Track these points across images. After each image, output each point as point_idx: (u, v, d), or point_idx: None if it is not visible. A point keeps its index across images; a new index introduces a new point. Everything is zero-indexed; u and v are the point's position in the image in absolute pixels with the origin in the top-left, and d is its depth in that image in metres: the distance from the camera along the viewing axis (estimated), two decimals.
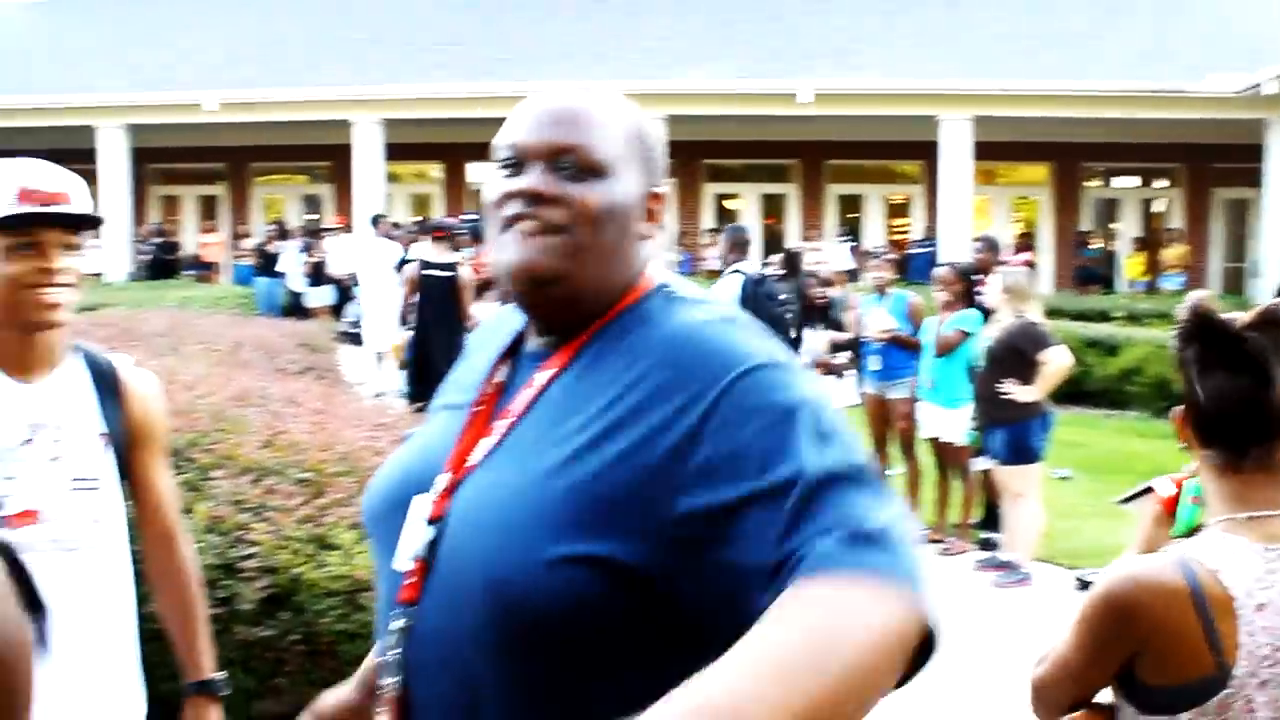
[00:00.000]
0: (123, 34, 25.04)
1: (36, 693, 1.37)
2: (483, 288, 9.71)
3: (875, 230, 23.61)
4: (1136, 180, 24.17)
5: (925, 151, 21.07)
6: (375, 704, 1.75)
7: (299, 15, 25.34)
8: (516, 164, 1.44)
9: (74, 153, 19.37)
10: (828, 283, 9.35)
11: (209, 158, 25.35)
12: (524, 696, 1.30)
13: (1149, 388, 12.63)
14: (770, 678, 1.00)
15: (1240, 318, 1.97)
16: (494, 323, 1.65)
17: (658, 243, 1.51)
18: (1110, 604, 1.93)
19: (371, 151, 21.49)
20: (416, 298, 9.67)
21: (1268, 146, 19.22)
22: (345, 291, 18.64)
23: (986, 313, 7.62)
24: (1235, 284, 21.46)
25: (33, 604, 1.37)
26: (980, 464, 7.52)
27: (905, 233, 23.44)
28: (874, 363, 8.38)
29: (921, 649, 1.14)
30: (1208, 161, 22.08)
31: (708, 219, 23.20)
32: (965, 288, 7.92)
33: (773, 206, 24.33)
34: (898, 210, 24.31)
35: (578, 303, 1.43)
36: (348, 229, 20.44)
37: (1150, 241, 22.44)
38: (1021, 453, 6.98)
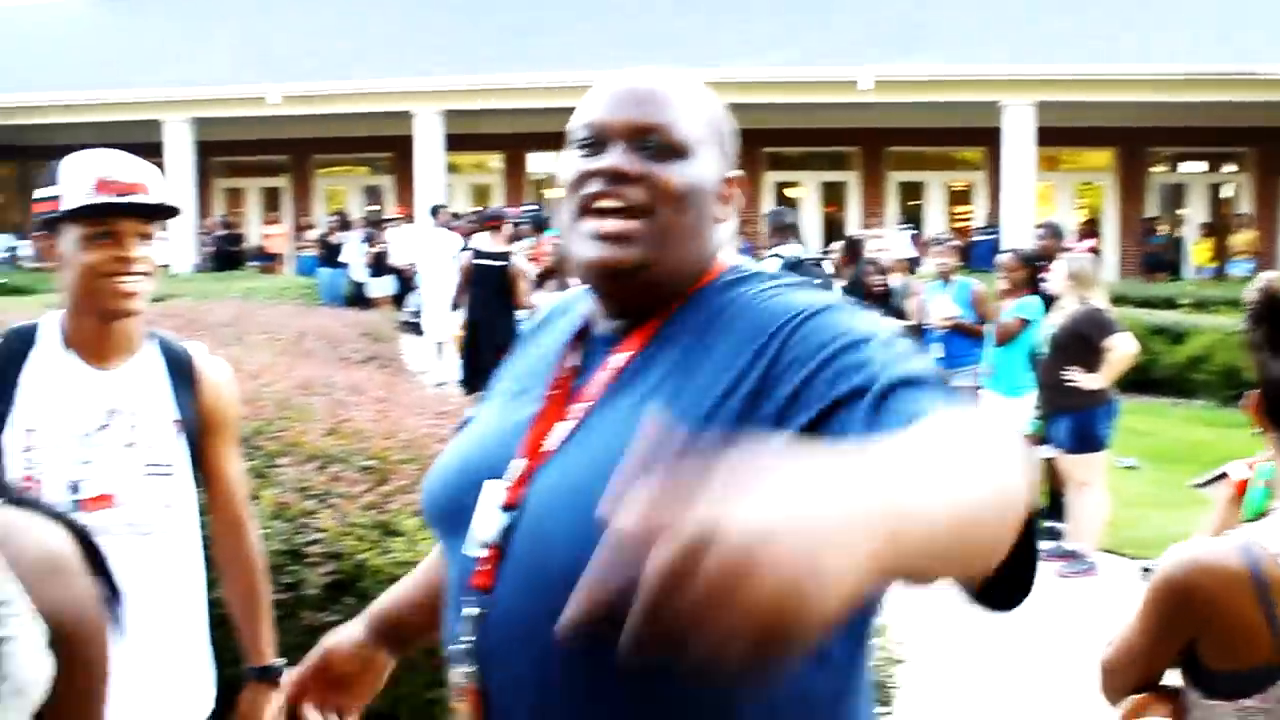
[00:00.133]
0: (187, 28, 25.33)
1: (112, 671, 1.41)
2: (543, 276, 9.74)
3: (936, 218, 23.40)
4: (1204, 165, 23.78)
5: (987, 137, 20.85)
6: (386, 646, 1.80)
7: (360, 8, 25.51)
8: (595, 144, 1.42)
9: (141, 147, 19.50)
10: (886, 270, 9.28)
11: (272, 150, 25.63)
12: (607, 681, 1.26)
13: (1216, 376, 12.44)
14: (925, 484, 0.89)
15: None
16: (557, 308, 1.64)
17: (731, 227, 1.50)
18: (1171, 586, 1.92)
19: (432, 142, 21.61)
20: (470, 287, 9.74)
21: None
22: (407, 281, 18.78)
23: (1048, 300, 7.54)
24: None
25: (108, 588, 1.40)
26: (1044, 452, 7.45)
27: (967, 220, 23.23)
28: (936, 350, 8.32)
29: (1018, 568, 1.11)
30: (1278, 145, 21.68)
31: (768, 207, 23.13)
32: (1027, 275, 7.85)
33: (833, 194, 24.18)
34: (959, 197, 24.09)
35: (656, 288, 1.42)
36: (409, 219, 20.59)
37: (1218, 227, 22.07)
38: (1086, 441, 6.91)
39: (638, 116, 1.41)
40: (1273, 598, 1.83)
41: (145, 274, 2.29)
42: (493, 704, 1.36)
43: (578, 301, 1.58)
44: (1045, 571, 6.29)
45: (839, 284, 9.64)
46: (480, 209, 16.93)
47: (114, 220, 2.24)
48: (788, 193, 23.99)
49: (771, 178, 23.83)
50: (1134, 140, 22.27)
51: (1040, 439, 7.40)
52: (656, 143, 1.40)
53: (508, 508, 1.36)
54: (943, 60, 19.75)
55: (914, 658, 3.71)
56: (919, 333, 8.89)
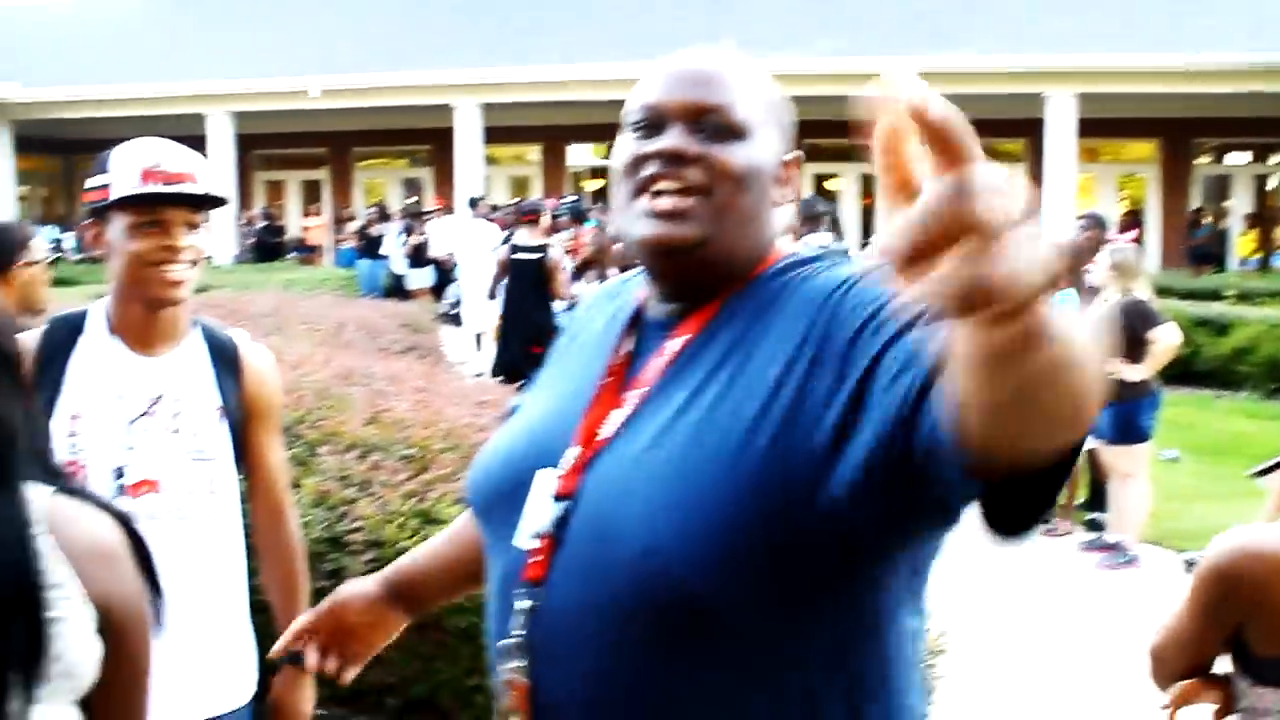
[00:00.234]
0: (229, 23, 25.49)
1: (156, 662, 1.42)
2: (582, 268, 9.74)
3: None
4: (1249, 156, 23.50)
5: (1028, 129, 20.68)
6: (406, 602, 1.80)
7: (399, 1, 25.59)
8: (652, 126, 1.39)
9: (184, 140, 19.61)
10: None
11: (312, 143, 25.79)
12: (666, 674, 1.25)
13: (1261, 368, 12.32)
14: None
15: None
16: (608, 293, 1.61)
17: (789, 211, 1.47)
18: (1217, 573, 1.92)
19: (471, 135, 21.66)
20: (506, 279, 9.74)
21: None
22: (446, 273, 18.85)
23: (1092, 291, 7.48)
24: None
25: (150, 581, 1.41)
26: (1086, 443, 7.38)
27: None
28: None
29: None
30: None
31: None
32: (1068, 266, 7.79)
33: (872, 186, 24.06)
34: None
35: (713, 268, 1.38)
36: (448, 211, 20.66)
37: (1263, 219, 21.82)
38: (1130, 432, 6.85)
39: (695, 97, 1.38)
40: None
41: (191, 263, 2.31)
42: (543, 699, 1.32)
43: (629, 287, 1.55)
44: (1087, 563, 6.28)
45: None
46: (518, 201, 17.01)
47: (162, 209, 2.27)
48: (827, 185, 23.91)
49: (810, 169, 23.74)
50: (1178, 131, 22.04)
51: None
52: (714, 123, 1.37)
53: (561, 497, 1.33)
54: (985, 52, 19.61)
55: (956, 648, 3.69)
56: None
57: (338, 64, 22.19)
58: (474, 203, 15.23)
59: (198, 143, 22.41)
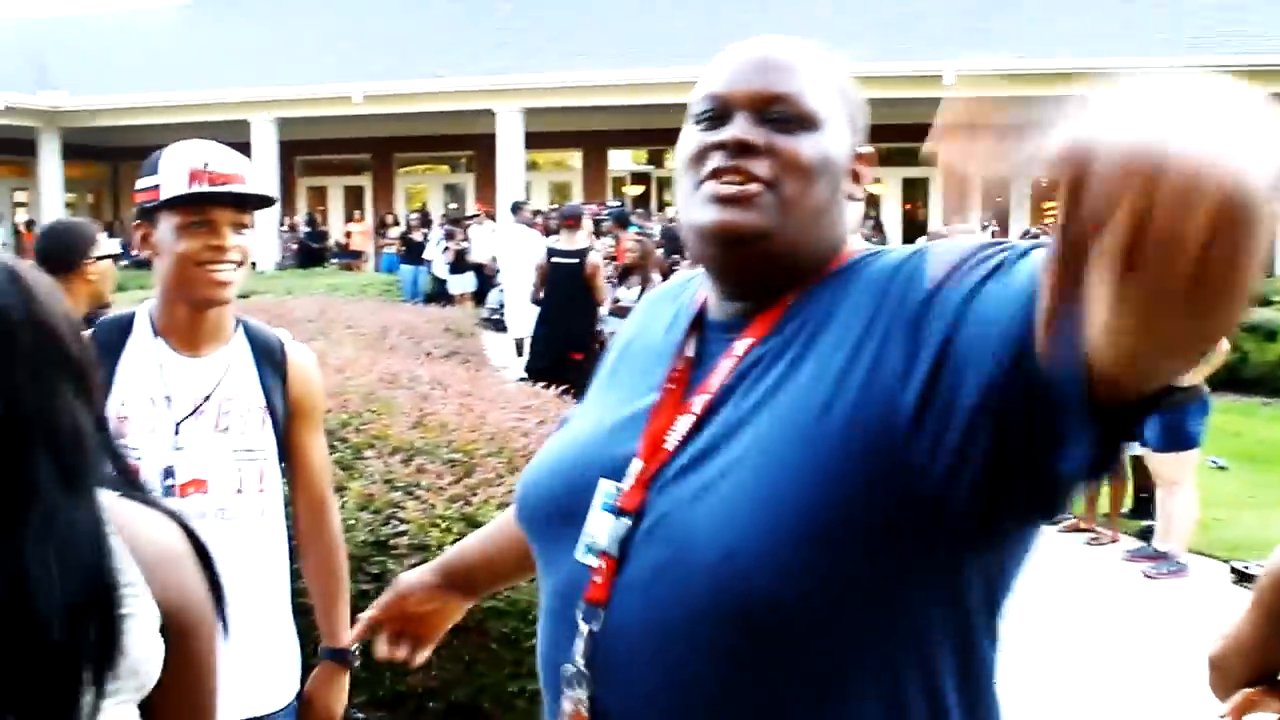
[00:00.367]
0: (273, 30, 25.71)
1: (222, 667, 1.43)
2: (626, 273, 9.73)
3: (1020, 214, 23.11)
4: None
5: None
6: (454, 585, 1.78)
7: (440, 6, 25.72)
8: (717, 117, 1.32)
9: (231, 146, 19.82)
10: None
11: (355, 149, 25.96)
12: (743, 685, 1.18)
13: None
14: None
15: None
16: (666, 293, 1.54)
17: (860, 207, 1.40)
18: (1278, 580, 1.89)
19: (513, 140, 21.73)
20: (545, 285, 9.73)
21: None
22: (487, 278, 18.93)
23: None
24: None
25: (213, 585, 1.42)
26: (1132, 450, 7.32)
27: (1052, 216, 22.89)
28: None
29: None
30: None
31: None
32: None
33: (914, 191, 23.97)
34: (1043, 193, 23.72)
35: (778, 263, 1.30)
36: (490, 217, 20.75)
37: None
38: (1177, 439, 6.78)
39: (762, 85, 1.30)
40: None
41: (238, 263, 2.32)
42: None
43: (689, 288, 1.47)
44: (1133, 572, 6.22)
45: None
46: (557, 206, 17.09)
47: (210, 209, 2.28)
48: (868, 189, 23.84)
49: None
50: None
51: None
52: (783, 113, 1.30)
53: (624, 512, 1.25)
54: (1028, 54, 19.50)
55: (1001, 657, 3.66)
56: None
57: (381, 70, 22.33)
58: (516, 208, 15.28)
59: (242, 149, 22.68)
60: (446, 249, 19.42)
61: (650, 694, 1.21)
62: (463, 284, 19.24)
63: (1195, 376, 6.68)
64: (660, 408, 1.32)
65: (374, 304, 11.26)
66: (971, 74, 19.14)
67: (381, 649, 1.82)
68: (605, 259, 10.94)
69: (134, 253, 2.66)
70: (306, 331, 7.22)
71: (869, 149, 1.39)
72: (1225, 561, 6.88)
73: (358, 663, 2.60)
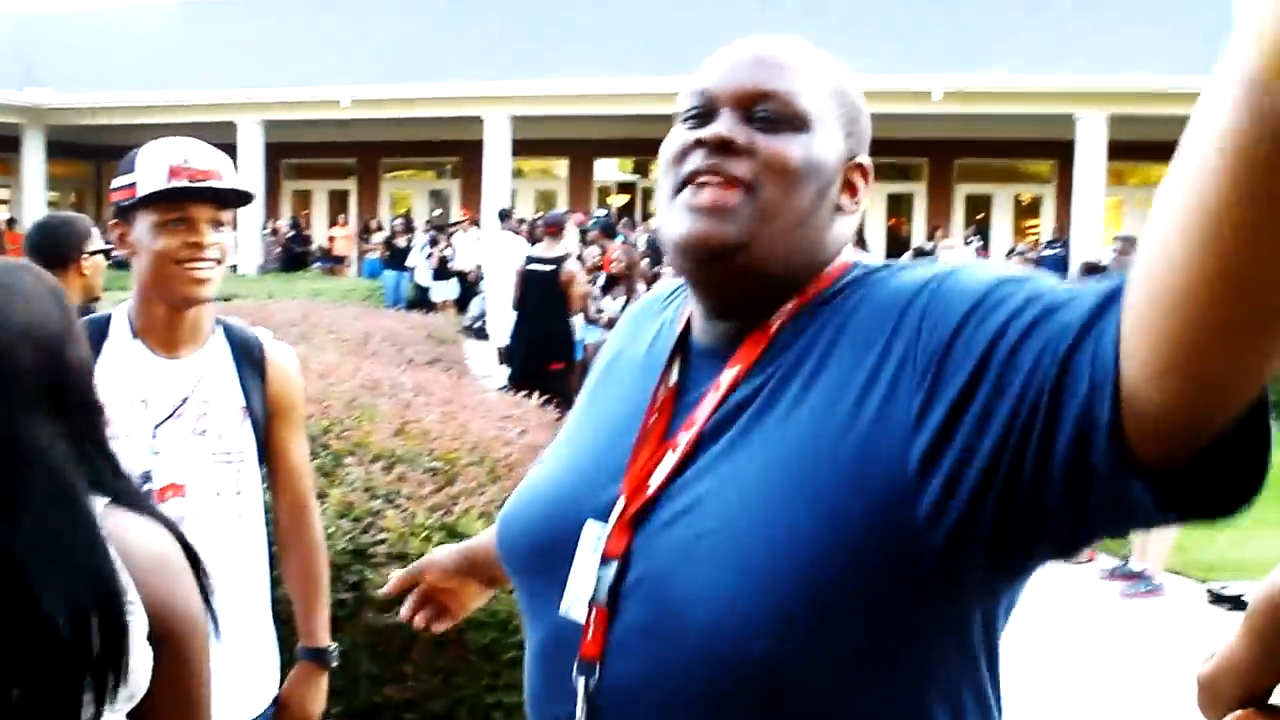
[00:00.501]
0: (260, 31, 25.66)
1: (214, 674, 1.43)
2: (611, 283, 9.71)
3: (1003, 230, 23.22)
4: None
5: (1056, 150, 20.65)
6: (476, 575, 1.72)
7: (430, 12, 25.70)
8: (703, 113, 1.24)
9: (217, 147, 19.72)
10: None
11: (340, 153, 25.93)
12: None
13: None
14: None
15: None
16: (647, 309, 1.46)
17: (855, 221, 1.30)
18: (1273, 601, 1.88)
19: (500, 147, 21.74)
20: (523, 292, 9.69)
21: None
22: (470, 286, 18.92)
23: None
24: None
25: (203, 591, 1.42)
26: None
27: (1034, 233, 23.03)
28: None
29: None
30: None
31: None
32: None
33: (898, 206, 24.05)
34: (1027, 211, 23.87)
35: (761, 279, 1.22)
36: (475, 224, 20.74)
37: None
38: None
39: (749, 82, 1.23)
40: None
41: (217, 261, 2.30)
42: None
43: (674, 302, 1.40)
44: (1110, 592, 6.23)
45: None
46: (542, 214, 17.11)
47: (188, 206, 2.25)
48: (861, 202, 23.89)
49: None
50: None
51: None
52: (770, 112, 1.21)
53: (609, 557, 1.18)
54: (1015, 72, 19.59)
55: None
56: None
57: (369, 74, 22.32)
58: (504, 215, 15.26)
59: (228, 151, 22.68)
60: (430, 255, 19.41)
61: None
62: (445, 291, 19.23)
63: None
64: (643, 442, 1.24)
65: (356, 309, 11.23)
66: (959, 91, 19.21)
67: (405, 611, 1.78)
68: (590, 269, 10.91)
69: (115, 253, 2.64)
70: (289, 336, 7.20)
71: (866, 160, 1.30)
72: (1201, 582, 6.90)
73: (336, 663, 2.60)
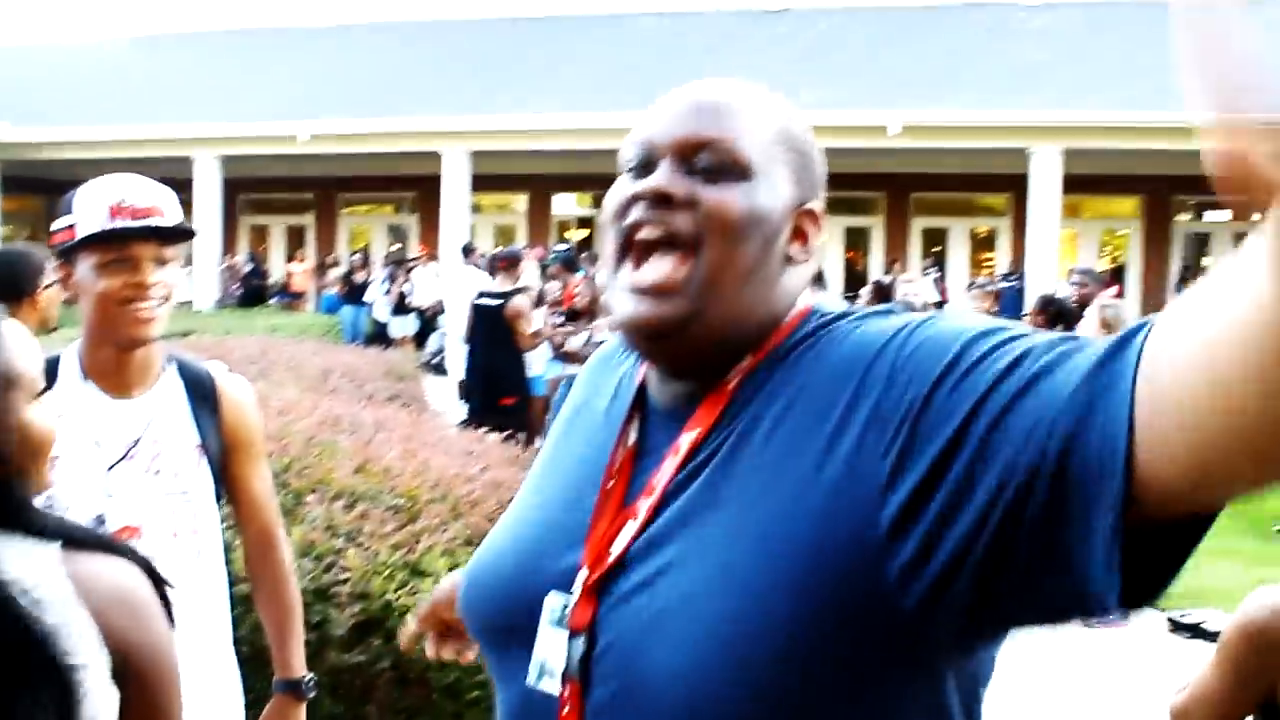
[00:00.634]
0: (218, 66, 25.58)
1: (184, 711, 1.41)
2: (574, 317, 9.69)
3: (959, 263, 23.41)
4: (1228, 213, 23.73)
5: (1011, 184, 20.86)
6: None
7: (387, 48, 25.74)
8: (644, 165, 1.21)
9: (171, 183, 19.66)
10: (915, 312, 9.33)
11: (298, 188, 25.85)
12: None
13: None
14: None
15: None
16: (606, 361, 1.42)
17: (809, 270, 1.25)
18: (1246, 633, 1.90)
19: (458, 182, 21.73)
20: (473, 327, 9.64)
21: None
22: (428, 321, 18.87)
23: None
24: None
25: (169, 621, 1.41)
26: None
27: (990, 267, 23.22)
28: None
29: None
30: None
31: None
32: (1047, 320, 7.87)
33: (855, 240, 24.20)
34: (982, 244, 24.08)
35: (714, 344, 1.18)
36: (433, 259, 20.71)
37: None
38: None
39: (688, 131, 1.19)
40: None
41: (163, 299, 2.27)
42: None
43: (631, 354, 1.35)
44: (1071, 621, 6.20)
45: None
46: (501, 249, 17.13)
47: (130, 245, 2.22)
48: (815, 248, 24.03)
49: None
50: (1160, 188, 22.25)
51: None
52: (710, 161, 1.17)
53: (576, 631, 1.14)
54: (971, 107, 19.78)
55: None
56: None
57: (327, 109, 22.27)
58: (467, 251, 15.24)
59: (184, 186, 22.47)
60: (389, 291, 19.35)
61: None
62: (404, 326, 19.17)
63: None
64: (602, 508, 1.20)
65: (315, 345, 11.16)
66: (916, 125, 19.38)
67: (430, 649, 1.73)
68: (552, 304, 10.88)
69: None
70: (248, 373, 7.13)
71: (818, 205, 1.25)
72: (1161, 611, 6.93)
73: (313, 694, 2.56)
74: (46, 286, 3.68)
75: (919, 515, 0.99)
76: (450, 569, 3.48)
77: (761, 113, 1.22)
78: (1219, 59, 0.74)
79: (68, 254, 2.27)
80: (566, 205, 25.47)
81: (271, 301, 22.95)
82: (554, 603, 1.17)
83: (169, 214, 2.27)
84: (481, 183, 22.25)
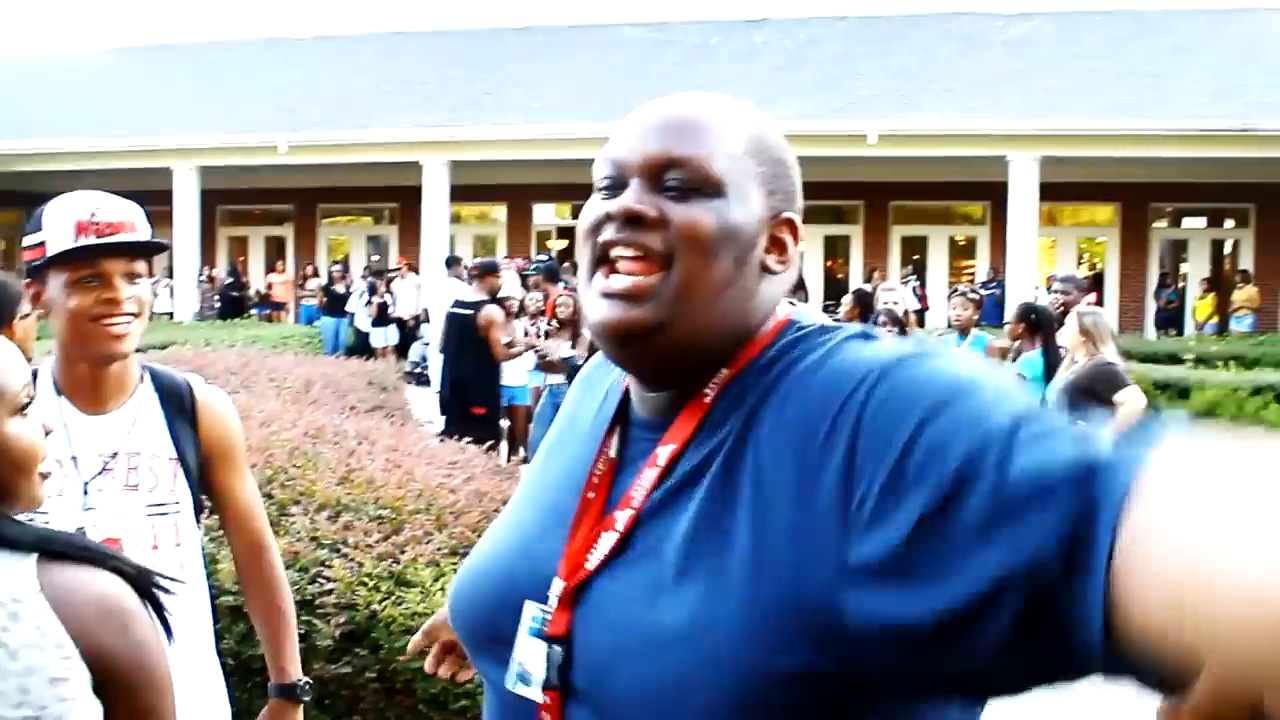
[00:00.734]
0: (197, 77, 25.54)
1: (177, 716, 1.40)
2: (558, 328, 9.70)
3: (939, 271, 23.50)
4: (1204, 221, 23.89)
5: (990, 192, 20.96)
6: None
7: (367, 58, 25.74)
8: (615, 184, 1.21)
9: (150, 194, 19.67)
10: (901, 322, 9.29)
11: (277, 199, 25.80)
12: None
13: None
14: None
15: None
16: (597, 372, 1.42)
17: (788, 279, 1.25)
18: None
19: (438, 192, 21.72)
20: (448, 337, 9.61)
21: None
22: (409, 332, 18.86)
23: (1048, 356, 7.57)
24: None
25: (165, 630, 1.40)
26: None
27: (970, 274, 23.31)
28: None
29: None
30: (1279, 201, 21.77)
31: None
32: (1029, 329, 7.88)
33: (835, 248, 24.28)
34: (961, 252, 24.18)
35: (687, 354, 1.19)
36: (413, 269, 20.70)
37: (1220, 283, 22.14)
38: None
39: (657, 150, 1.19)
40: None
41: (134, 315, 2.26)
42: None
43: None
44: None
45: None
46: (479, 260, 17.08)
47: (100, 262, 2.21)
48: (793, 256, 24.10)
49: None
50: (1137, 195, 22.38)
51: None
52: (680, 179, 1.17)
53: (556, 639, 1.14)
54: (948, 115, 19.88)
55: None
56: None
57: (306, 120, 22.25)
58: (451, 262, 15.22)
59: (164, 197, 22.39)
60: (369, 302, 19.34)
61: None
62: (385, 337, 19.16)
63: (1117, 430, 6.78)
64: (581, 519, 1.20)
65: (297, 356, 11.14)
66: (894, 134, 19.46)
67: (429, 665, 1.73)
68: (534, 314, 10.87)
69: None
70: (229, 385, 7.13)
71: (794, 215, 1.25)
72: None
73: (309, 698, 2.56)
74: (23, 317, 3.61)
75: (885, 585, 0.97)
76: (435, 579, 3.49)
77: (731, 126, 1.22)
78: None
79: (38, 271, 2.26)
80: (547, 215, 25.49)
81: (252, 313, 22.90)
82: (529, 612, 1.18)
83: (139, 229, 2.26)
84: (461, 193, 22.26)
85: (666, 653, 1.05)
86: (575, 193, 25.23)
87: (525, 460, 9.04)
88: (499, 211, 25.58)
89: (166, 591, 1.43)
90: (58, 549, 1.38)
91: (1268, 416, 12.03)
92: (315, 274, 22.73)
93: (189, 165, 22.39)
